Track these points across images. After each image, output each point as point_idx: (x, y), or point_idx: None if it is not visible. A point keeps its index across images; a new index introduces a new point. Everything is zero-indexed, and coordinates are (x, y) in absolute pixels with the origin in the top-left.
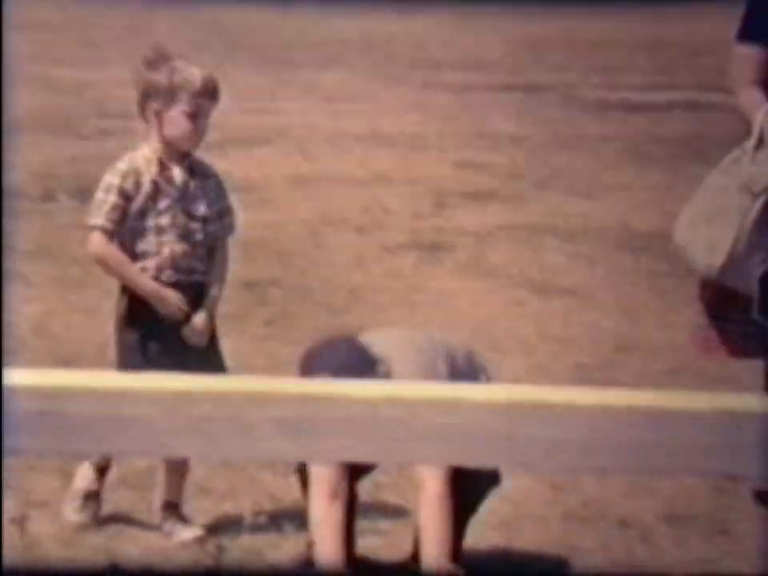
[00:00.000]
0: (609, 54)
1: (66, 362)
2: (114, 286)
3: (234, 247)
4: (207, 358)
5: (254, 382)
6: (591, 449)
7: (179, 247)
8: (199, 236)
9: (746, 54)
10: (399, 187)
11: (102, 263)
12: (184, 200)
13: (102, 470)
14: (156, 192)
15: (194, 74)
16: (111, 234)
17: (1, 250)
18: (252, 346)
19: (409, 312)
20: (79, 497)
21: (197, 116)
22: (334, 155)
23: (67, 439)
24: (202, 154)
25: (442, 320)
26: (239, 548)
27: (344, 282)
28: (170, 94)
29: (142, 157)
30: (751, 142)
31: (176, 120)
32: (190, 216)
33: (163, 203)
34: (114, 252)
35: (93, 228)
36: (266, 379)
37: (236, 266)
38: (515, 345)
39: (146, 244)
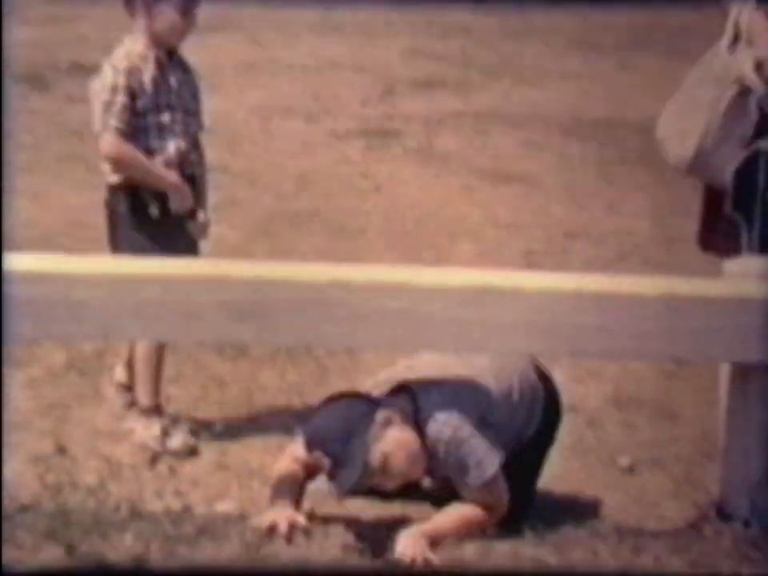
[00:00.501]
0: None
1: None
2: None
3: None
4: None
5: (202, 265)
6: (539, 333)
7: (183, 142)
8: (193, 130)
9: None
10: (348, 74)
11: (120, 163)
12: (180, 96)
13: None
14: (156, 89)
15: None
16: (125, 135)
17: None
18: None
19: (357, 199)
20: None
21: (186, 10)
22: (284, 43)
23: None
24: None
25: (391, 206)
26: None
27: (292, 168)
28: None
29: (137, 54)
30: (726, 37)
31: (166, 13)
32: (186, 111)
33: (163, 99)
34: (130, 151)
35: (106, 130)
36: (214, 263)
37: None
38: (464, 231)
39: (151, 142)
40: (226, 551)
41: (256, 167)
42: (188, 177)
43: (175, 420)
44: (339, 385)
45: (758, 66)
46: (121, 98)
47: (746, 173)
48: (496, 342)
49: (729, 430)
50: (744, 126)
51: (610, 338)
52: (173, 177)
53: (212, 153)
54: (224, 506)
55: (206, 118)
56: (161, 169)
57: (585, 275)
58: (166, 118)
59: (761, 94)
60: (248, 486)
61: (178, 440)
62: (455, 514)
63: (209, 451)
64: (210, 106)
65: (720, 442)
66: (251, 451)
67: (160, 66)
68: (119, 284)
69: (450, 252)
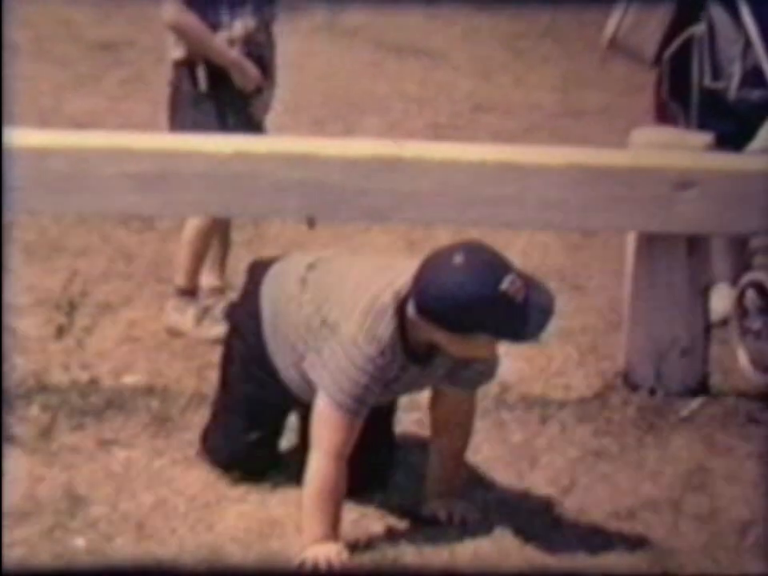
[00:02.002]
0: None
1: None
2: None
3: (88, 7)
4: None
5: (106, 137)
6: (445, 202)
7: (252, 21)
8: (266, 14)
9: None
10: None
11: (181, 31)
12: None
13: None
14: None
15: None
16: (189, 4)
17: None
18: (107, 106)
19: None
20: None
21: None
22: None
23: None
24: None
25: (299, 80)
26: (91, 304)
27: None
28: None
29: None
30: None
31: None
32: None
33: None
34: (192, 20)
35: None
36: (118, 135)
37: (91, 27)
38: (372, 104)
39: (221, 17)
40: (133, 423)
41: (163, 42)
42: (255, 57)
43: (207, 308)
44: (245, 256)
45: None
46: None
47: (678, 59)
48: (403, 212)
49: (634, 300)
50: (665, 6)
51: (517, 209)
52: (234, 53)
53: (118, 27)
54: (131, 379)
55: None
56: (223, 44)
57: (491, 145)
58: None
59: None
60: (155, 359)
61: (214, 330)
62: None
63: (116, 323)
64: None
65: (626, 311)
66: (158, 323)
67: None
68: (22, 156)
69: (358, 125)
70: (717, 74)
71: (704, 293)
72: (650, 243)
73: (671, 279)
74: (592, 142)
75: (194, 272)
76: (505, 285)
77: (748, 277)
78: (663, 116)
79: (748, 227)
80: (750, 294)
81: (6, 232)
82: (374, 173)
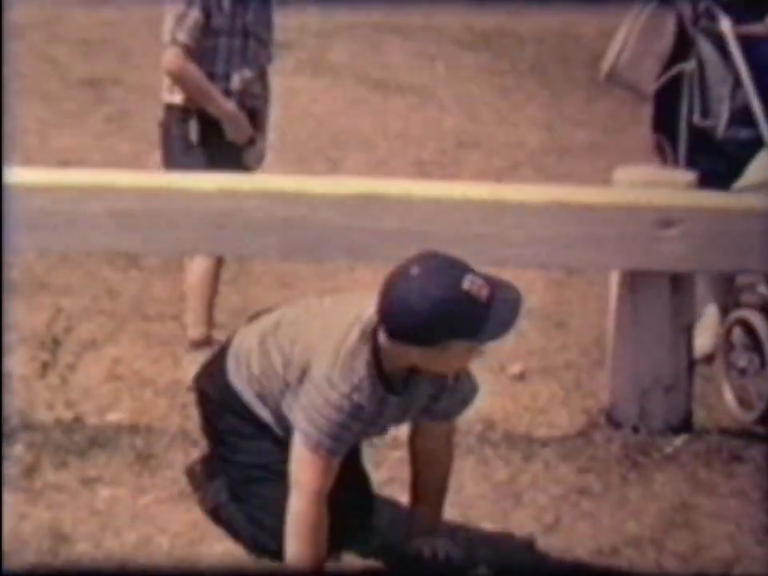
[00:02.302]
0: None
1: None
2: None
3: (74, 45)
4: None
5: (91, 175)
6: (430, 240)
7: (249, 72)
8: (262, 61)
9: None
10: None
11: (181, 81)
12: (256, 22)
13: None
14: (234, 11)
15: None
16: (191, 52)
17: None
18: (91, 143)
19: None
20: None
21: None
22: None
23: None
24: None
25: (284, 117)
26: (75, 341)
27: None
28: None
29: None
30: None
31: None
32: (258, 40)
33: (239, 23)
34: (193, 69)
35: (173, 44)
36: (102, 173)
37: (77, 64)
38: (356, 141)
39: (217, 66)
40: (117, 461)
41: (147, 80)
42: (249, 109)
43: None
44: (230, 294)
45: None
46: (195, 13)
47: (667, 94)
48: (386, 250)
49: (617, 338)
50: (663, 42)
51: (501, 246)
52: (230, 105)
53: (103, 65)
54: (115, 417)
55: (98, 30)
56: (219, 95)
57: (476, 183)
58: (237, 43)
59: (682, 12)
60: (139, 397)
61: None
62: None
63: (100, 361)
64: (101, 17)
65: (609, 349)
66: (142, 361)
67: None
68: (6, 195)
69: (343, 162)
70: (706, 111)
71: (687, 330)
72: (633, 281)
73: (654, 317)
74: (576, 179)
75: (207, 320)
76: (466, 284)
77: (735, 314)
78: (657, 148)
79: (730, 265)
80: (737, 332)
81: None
82: (359, 211)
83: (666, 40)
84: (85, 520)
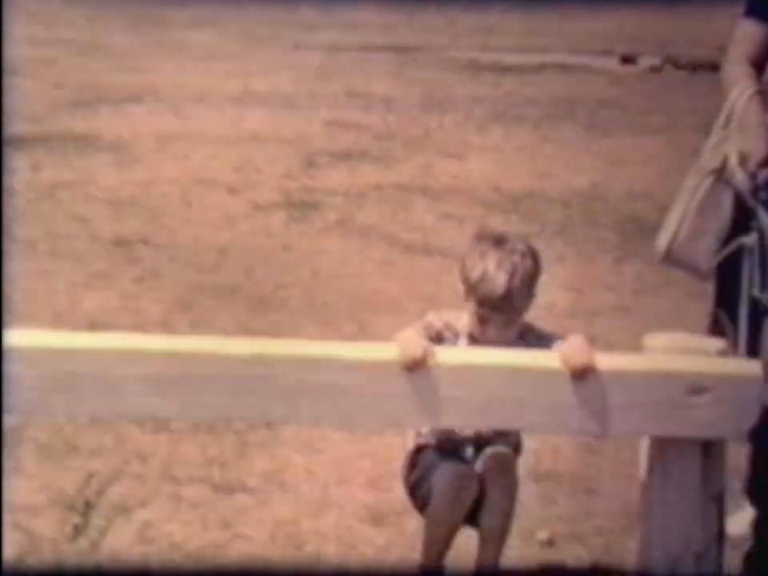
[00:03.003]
0: (480, 15)
1: None
2: None
3: (104, 205)
4: None
5: (122, 339)
6: (461, 407)
7: None
8: None
9: (747, 31)
10: (270, 146)
11: None
12: None
13: None
14: None
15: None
16: None
17: None
18: (121, 304)
19: (278, 271)
20: None
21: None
22: (205, 114)
23: None
24: (70, 111)
25: (311, 279)
26: (109, 506)
27: (213, 240)
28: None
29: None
30: (720, 119)
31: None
32: None
33: None
34: None
35: None
36: (134, 337)
37: (106, 224)
38: (385, 304)
39: None
40: None
41: (177, 240)
42: None
43: None
44: (259, 459)
45: (742, 159)
46: None
47: (727, 269)
48: (418, 418)
49: (647, 504)
50: (720, 218)
51: (529, 412)
52: None
53: (133, 225)
54: None
55: (128, 190)
56: None
57: (504, 349)
58: None
59: (740, 186)
60: (170, 560)
61: None
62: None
63: (131, 524)
64: (131, 177)
65: (638, 516)
66: (173, 525)
67: None
68: (37, 357)
69: (371, 325)
70: (766, 284)
71: (718, 498)
72: (663, 447)
73: (684, 484)
74: (605, 342)
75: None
76: None
77: None
78: (714, 327)
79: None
80: None
81: (20, 432)
82: (388, 376)
83: (724, 217)
84: None
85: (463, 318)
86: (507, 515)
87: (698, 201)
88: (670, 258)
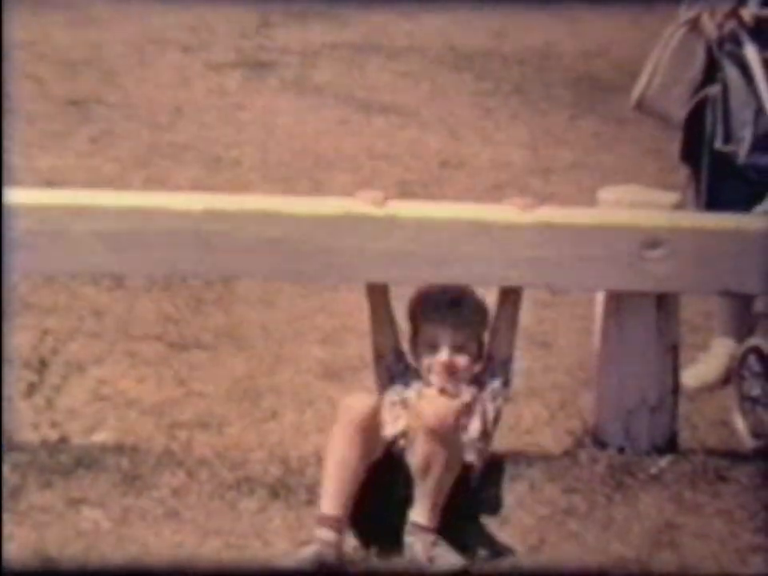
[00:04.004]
0: None
1: None
2: None
3: (58, 65)
4: None
5: (77, 196)
6: (414, 261)
7: None
8: None
9: None
10: (224, 6)
11: None
12: None
13: None
14: None
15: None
16: None
17: None
18: (75, 163)
19: (233, 130)
20: None
21: None
22: None
23: None
24: None
25: (266, 138)
26: (63, 363)
27: (168, 100)
28: None
29: None
30: None
31: None
32: None
33: None
34: None
35: None
36: (89, 193)
37: (60, 84)
38: (341, 162)
39: None
40: (102, 482)
41: (132, 99)
42: None
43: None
44: (214, 315)
45: (712, 12)
46: None
47: (693, 122)
48: (371, 271)
49: (603, 358)
50: (693, 68)
51: (486, 266)
52: None
53: (87, 85)
54: (100, 437)
55: (82, 50)
56: None
57: (460, 204)
58: None
59: (709, 36)
60: (125, 416)
61: None
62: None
63: (86, 381)
64: (85, 36)
65: (594, 369)
66: (128, 382)
67: None
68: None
69: (326, 183)
70: (728, 136)
71: (673, 351)
72: (618, 301)
73: (640, 337)
74: (560, 199)
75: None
76: None
77: (749, 342)
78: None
79: (717, 286)
80: (750, 360)
81: None
82: (344, 231)
83: (695, 67)
84: (70, 541)
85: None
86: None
87: (671, 50)
88: (642, 106)
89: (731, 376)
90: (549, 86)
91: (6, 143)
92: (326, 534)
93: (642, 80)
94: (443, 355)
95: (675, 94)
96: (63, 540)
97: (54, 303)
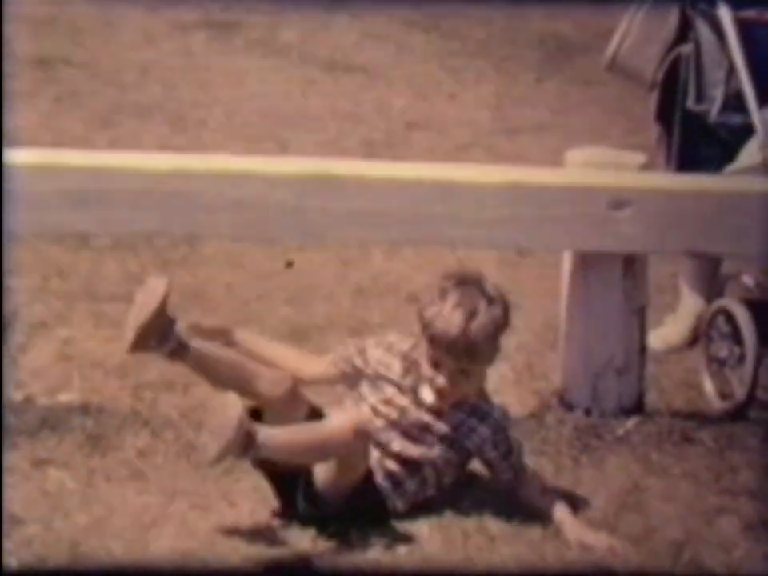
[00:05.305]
0: None
1: None
2: None
3: (22, 24)
4: None
5: (42, 154)
6: (381, 221)
7: None
8: None
9: None
10: None
11: None
12: None
13: None
14: None
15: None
16: None
17: None
18: (41, 122)
19: (198, 90)
20: None
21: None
22: None
23: None
24: None
25: (233, 97)
26: (28, 323)
27: (134, 59)
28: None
29: None
30: None
31: None
32: None
33: None
34: None
35: None
36: (54, 152)
37: (26, 43)
38: (306, 121)
39: None
40: (67, 442)
41: (97, 59)
42: None
43: None
44: (180, 275)
45: None
46: None
47: (669, 82)
48: (336, 232)
49: (570, 319)
50: (667, 28)
51: (452, 227)
52: None
53: (53, 44)
54: (65, 397)
55: (46, 9)
56: None
57: (426, 164)
58: None
59: None
60: (90, 377)
61: None
62: None
63: (51, 341)
64: None
65: (561, 331)
66: (93, 342)
67: None
68: None
69: (292, 142)
70: (700, 96)
71: (640, 312)
72: (585, 262)
73: (606, 298)
74: (526, 159)
75: None
76: None
77: (717, 304)
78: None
79: (683, 247)
80: (719, 321)
81: None
82: (310, 191)
83: (668, 26)
84: (35, 501)
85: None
86: None
87: (644, 10)
88: (615, 66)
89: (699, 336)
90: (515, 46)
91: None
92: None
93: (615, 40)
94: (440, 381)
95: (649, 54)
96: (28, 500)
97: (19, 263)
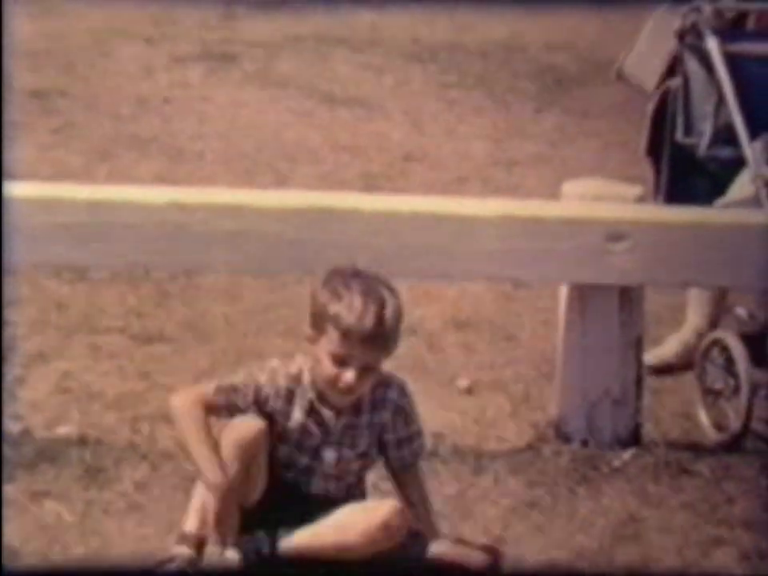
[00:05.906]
0: None
1: None
2: None
3: (20, 57)
4: None
5: (40, 188)
6: (378, 254)
7: None
8: None
9: None
10: None
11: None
12: None
13: None
14: None
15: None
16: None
17: None
18: (38, 155)
19: (196, 122)
20: None
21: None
22: None
23: None
24: None
25: (231, 129)
26: (26, 355)
27: (131, 91)
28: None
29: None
30: None
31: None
32: None
33: None
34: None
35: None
36: (52, 186)
37: (22, 75)
38: (304, 154)
39: None
40: (65, 475)
41: (94, 91)
42: None
43: None
44: (178, 308)
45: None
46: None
47: (657, 118)
48: (333, 263)
49: (566, 351)
50: (669, 43)
51: (449, 259)
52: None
53: (49, 76)
54: (63, 430)
55: (44, 41)
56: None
57: (424, 197)
58: None
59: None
60: (88, 409)
61: None
62: None
63: (49, 374)
64: (47, 27)
65: (558, 362)
66: (91, 374)
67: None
68: None
69: (289, 175)
70: (689, 129)
71: (636, 344)
72: (581, 294)
73: (603, 330)
74: (523, 192)
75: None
76: None
77: (712, 335)
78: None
79: (680, 279)
80: (714, 353)
81: None
82: (307, 224)
83: (672, 41)
84: (32, 534)
85: (306, 365)
86: None
87: (651, 23)
88: (621, 74)
89: (694, 358)
90: (513, 78)
91: None
92: (184, 551)
93: (628, 50)
94: (350, 376)
95: (651, 66)
96: (25, 533)
97: (17, 295)
